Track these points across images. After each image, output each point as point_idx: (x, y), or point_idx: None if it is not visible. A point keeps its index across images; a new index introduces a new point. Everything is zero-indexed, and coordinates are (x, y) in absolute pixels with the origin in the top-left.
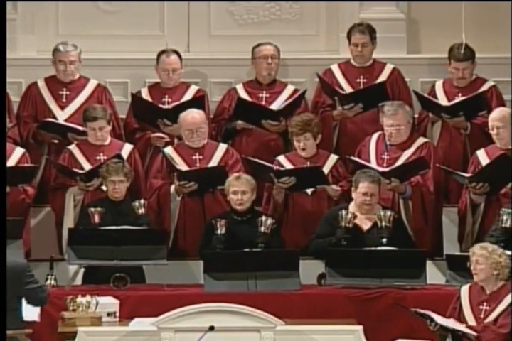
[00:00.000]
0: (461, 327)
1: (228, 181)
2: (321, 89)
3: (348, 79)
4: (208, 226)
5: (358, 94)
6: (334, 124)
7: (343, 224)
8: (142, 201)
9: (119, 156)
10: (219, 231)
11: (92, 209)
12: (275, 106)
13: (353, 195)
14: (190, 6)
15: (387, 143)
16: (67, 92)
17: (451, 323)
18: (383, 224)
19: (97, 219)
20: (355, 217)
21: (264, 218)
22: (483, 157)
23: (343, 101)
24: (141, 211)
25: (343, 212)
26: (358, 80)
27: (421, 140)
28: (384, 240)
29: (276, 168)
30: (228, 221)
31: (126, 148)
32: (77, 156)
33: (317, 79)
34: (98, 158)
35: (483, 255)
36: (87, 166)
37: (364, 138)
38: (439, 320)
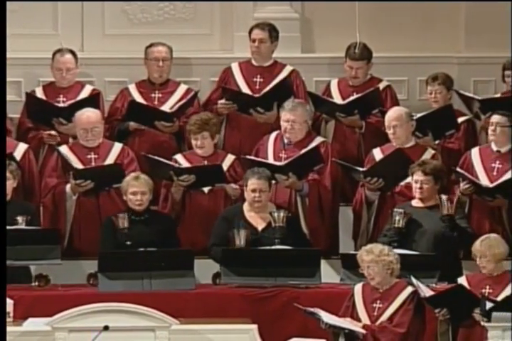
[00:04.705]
0: (348, 325)
1: (126, 181)
2: (216, 89)
3: (245, 78)
4: (107, 224)
5: (268, 96)
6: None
7: (238, 242)
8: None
9: (11, 156)
10: (121, 226)
11: None
12: (167, 105)
13: (245, 194)
14: (84, 5)
15: (285, 141)
16: None
17: (338, 321)
18: (277, 224)
19: None
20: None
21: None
22: (379, 155)
23: (252, 104)
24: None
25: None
26: (254, 79)
27: (318, 139)
28: (277, 241)
29: (176, 165)
30: (128, 215)
31: (20, 148)
32: None
33: (212, 79)
34: None
35: (372, 260)
36: None
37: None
38: (326, 318)
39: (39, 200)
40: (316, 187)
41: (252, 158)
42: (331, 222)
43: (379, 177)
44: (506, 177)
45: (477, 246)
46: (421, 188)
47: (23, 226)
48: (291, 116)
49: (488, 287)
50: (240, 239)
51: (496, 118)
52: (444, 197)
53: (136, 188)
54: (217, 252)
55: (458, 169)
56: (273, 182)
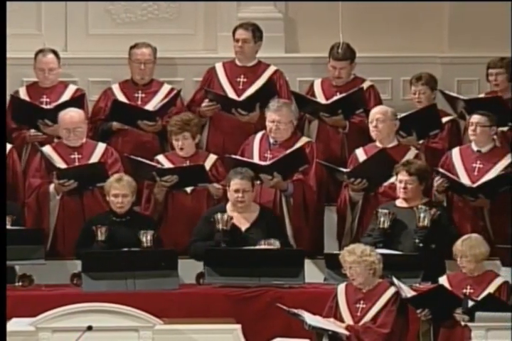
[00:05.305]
0: (332, 326)
1: (109, 182)
2: (200, 89)
3: (228, 78)
4: (86, 229)
5: (251, 99)
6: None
7: (220, 226)
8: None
9: None
10: (99, 238)
11: None
12: (151, 105)
13: (228, 194)
14: (67, 5)
15: (271, 141)
16: None
17: (321, 323)
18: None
19: None
20: (231, 218)
21: (145, 232)
22: (362, 155)
23: (236, 107)
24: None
25: (219, 215)
26: (238, 80)
27: (304, 139)
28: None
29: (158, 166)
30: (109, 227)
31: None
32: None
33: (195, 79)
34: None
35: (355, 261)
36: None
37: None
38: (309, 319)
39: (23, 200)
40: (301, 187)
41: (237, 157)
42: (315, 222)
43: (363, 178)
44: (489, 177)
45: (458, 246)
46: (405, 188)
47: (8, 227)
48: (277, 117)
49: (469, 287)
50: (222, 223)
51: (476, 118)
52: (422, 207)
53: (117, 191)
54: (197, 247)
55: (440, 169)
56: (258, 182)
